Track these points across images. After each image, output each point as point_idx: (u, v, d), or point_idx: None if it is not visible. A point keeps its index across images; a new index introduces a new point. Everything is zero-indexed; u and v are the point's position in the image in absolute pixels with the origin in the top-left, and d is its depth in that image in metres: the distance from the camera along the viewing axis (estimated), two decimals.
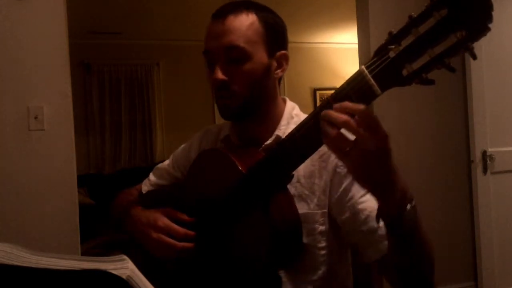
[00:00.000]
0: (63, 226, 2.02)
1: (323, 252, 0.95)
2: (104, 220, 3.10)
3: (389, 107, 2.74)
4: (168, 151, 5.35)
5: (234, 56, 0.93)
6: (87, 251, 3.16)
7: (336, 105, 0.66)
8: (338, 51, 5.96)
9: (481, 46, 2.88)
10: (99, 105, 5.33)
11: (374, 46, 2.68)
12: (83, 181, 3.92)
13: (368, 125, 0.63)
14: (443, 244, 2.82)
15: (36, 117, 1.99)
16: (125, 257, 0.49)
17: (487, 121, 2.89)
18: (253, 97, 0.96)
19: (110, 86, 5.38)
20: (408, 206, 0.69)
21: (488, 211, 2.90)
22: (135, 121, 5.47)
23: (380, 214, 0.72)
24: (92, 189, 4.71)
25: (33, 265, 0.47)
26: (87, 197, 4.54)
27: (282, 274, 0.93)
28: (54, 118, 2.02)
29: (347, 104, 0.65)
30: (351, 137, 0.65)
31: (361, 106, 0.63)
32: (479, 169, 2.87)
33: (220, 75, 0.94)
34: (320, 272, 0.95)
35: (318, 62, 6.00)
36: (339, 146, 0.65)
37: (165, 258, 1.00)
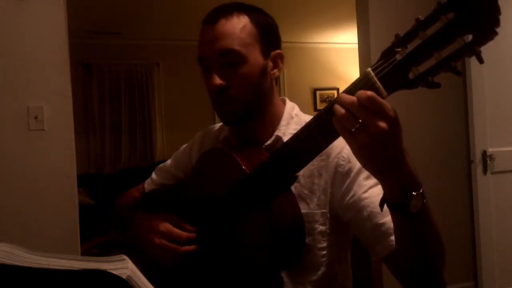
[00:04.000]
0: (63, 226, 2.02)
1: (323, 252, 0.95)
2: (104, 220, 3.11)
3: None
4: (168, 151, 5.35)
5: (229, 60, 0.92)
6: (87, 251, 3.16)
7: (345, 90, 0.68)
8: (338, 51, 5.96)
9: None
10: (99, 105, 5.33)
11: (374, 46, 2.70)
12: (83, 181, 3.92)
13: (373, 108, 0.63)
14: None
15: (36, 117, 1.99)
16: (125, 257, 0.49)
17: (487, 121, 2.89)
18: (253, 100, 0.95)
19: (110, 86, 5.38)
20: (415, 193, 0.68)
21: (488, 211, 2.89)
22: (135, 121, 5.46)
23: (384, 199, 0.72)
24: (92, 189, 4.71)
25: (33, 265, 0.47)
26: (87, 197, 4.53)
27: (283, 274, 0.93)
28: (54, 118, 2.01)
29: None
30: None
31: (368, 92, 0.63)
32: (479, 169, 2.87)
33: (217, 80, 0.92)
34: (320, 272, 0.95)
35: (318, 62, 5.99)
36: (345, 125, 0.65)
37: (168, 263, 0.99)
